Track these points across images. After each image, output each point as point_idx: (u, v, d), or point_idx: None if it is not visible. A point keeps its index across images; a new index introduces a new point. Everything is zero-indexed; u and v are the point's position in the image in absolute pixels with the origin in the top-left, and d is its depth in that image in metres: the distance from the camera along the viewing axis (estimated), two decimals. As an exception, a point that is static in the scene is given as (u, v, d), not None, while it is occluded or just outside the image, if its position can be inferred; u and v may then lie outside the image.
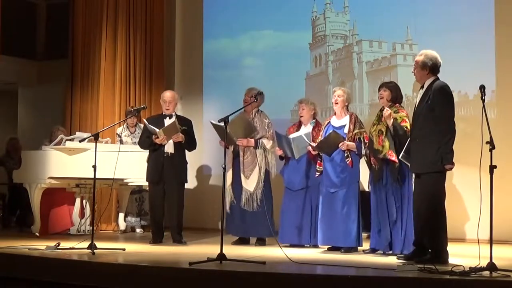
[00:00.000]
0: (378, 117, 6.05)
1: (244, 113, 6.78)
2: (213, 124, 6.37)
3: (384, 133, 5.82)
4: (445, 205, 5.29)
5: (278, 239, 6.61)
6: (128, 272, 4.98)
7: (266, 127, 6.90)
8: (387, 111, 5.78)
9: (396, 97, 6.02)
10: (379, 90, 6.11)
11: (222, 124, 5.78)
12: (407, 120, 5.80)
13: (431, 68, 5.39)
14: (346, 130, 6.29)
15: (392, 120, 5.75)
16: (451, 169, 5.27)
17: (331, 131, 6.31)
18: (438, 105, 5.24)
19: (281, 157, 6.85)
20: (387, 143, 5.79)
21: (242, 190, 6.81)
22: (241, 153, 6.84)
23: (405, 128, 5.73)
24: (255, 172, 6.76)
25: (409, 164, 5.58)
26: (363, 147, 6.17)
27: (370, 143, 5.98)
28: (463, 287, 4.27)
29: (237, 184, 6.88)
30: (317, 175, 6.47)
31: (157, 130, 6.72)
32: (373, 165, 5.96)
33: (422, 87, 5.47)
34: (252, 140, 6.81)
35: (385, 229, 5.88)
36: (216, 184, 9.17)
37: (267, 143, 6.86)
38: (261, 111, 7.02)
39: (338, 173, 6.27)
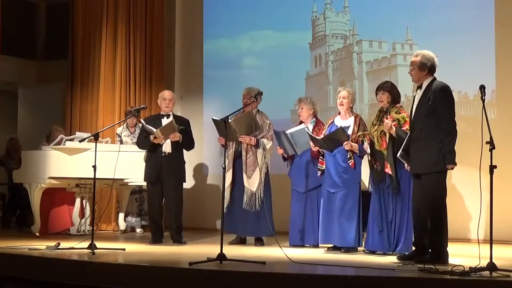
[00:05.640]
0: (378, 117, 6.04)
1: (250, 111, 6.77)
2: (214, 120, 6.33)
3: (386, 140, 5.81)
4: (446, 205, 5.30)
5: (288, 241, 6.65)
6: (128, 272, 4.98)
7: (267, 128, 6.91)
8: (387, 124, 5.77)
9: (394, 97, 6.01)
10: (376, 93, 6.09)
11: (229, 121, 5.79)
12: (408, 121, 5.78)
13: (429, 68, 5.39)
14: (350, 131, 6.29)
15: (394, 128, 5.75)
16: (452, 168, 5.28)
17: (339, 126, 6.30)
18: (440, 105, 5.24)
19: (284, 158, 6.86)
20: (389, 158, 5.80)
21: (244, 189, 6.82)
22: (243, 153, 6.84)
23: (408, 132, 5.72)
24: (257, 172, 6.77)
25: (406, 163, 5.56)
26: (367, 151, 6.13)
27: (371, 144, 5.98)
28: (463, 287, 4.27)
29: (237, 184, 6.87)
30: (319, 173, 6.47)
31: (154, 130, 6.72)
32: (375, 166, 5.96)
33: (419, 87, 5.46)
34: (254, 138, 6.81)
35: (387, 230, 5.88)
36: (215, 184, 9.17)
37: (267, 144, 6.87)
38: (262, 112, 7.02)
39: (340, 173, 6.27)
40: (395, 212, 5.87)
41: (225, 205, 6.75)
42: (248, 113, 6.67)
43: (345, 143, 6.17)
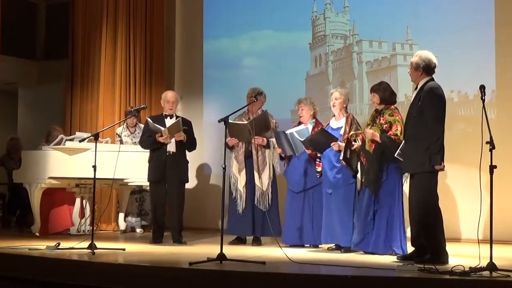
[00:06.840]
0: (372, 117, 6.05)
1: (266, 112, 6.78)
2: (232, 123, 6.17)
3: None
4: (439, 205, 5.29)
5: (281, 240, 6.65)
6: (128, 272, 4.98)
7: (273, 127, 6.92)
8: (368, 134, 5.81)
9: (385, 98, 5.96)
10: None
11: (245, 122, 6.02)
12: (399, 124, 5.77)
13: (424, 69, 5.40)
14: (342, 131, 6.30)
15: (378, 135, 5.76)
16: (441, 169, 5.27)
17: (319, 128, 6.36)
18: (427, 106, 5.25)
19: (281, 158, 6.87)
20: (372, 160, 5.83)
21: (255, 188, 6.83)
22: (254, 152, 6.87)
23: (393, 136, 5.73)
24: (266, 171, 6.81)
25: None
26: (348, 151, 6.11)
27: (363, 143, 5.97)
28: (463, 287, 4.27)
29: (250, 184, 6.89)
30: (318, 176, 6.50)
31: (162, 128, 6.72)
32: (364, 165, 5.95)
33: (416, 87, 5.48)
34: (265, 139, 6.84)
35: (360, 228, 5.90)
36: (216, 184, 9.18)
37: (275, 143, 6.88)
38: (267, 111, 7.02)
39: (334, 174, 6.28)
40: (375, 211, 5.85)
41: (240, 208, 6.78)
42: (264, 114, 6.67)
43: (332, 143, 6.18)
